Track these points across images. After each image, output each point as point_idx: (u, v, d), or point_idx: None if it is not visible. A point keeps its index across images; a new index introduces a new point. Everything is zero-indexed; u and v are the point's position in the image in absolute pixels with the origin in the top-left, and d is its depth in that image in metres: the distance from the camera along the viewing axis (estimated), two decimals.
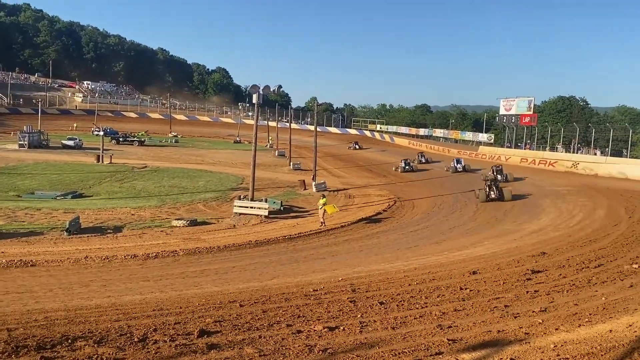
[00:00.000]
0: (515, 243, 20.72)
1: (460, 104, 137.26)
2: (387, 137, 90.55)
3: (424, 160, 57.54)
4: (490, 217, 29.01)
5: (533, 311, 9.88)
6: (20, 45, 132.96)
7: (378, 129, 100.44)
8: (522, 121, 67.52)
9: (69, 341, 7.54)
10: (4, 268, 16.60)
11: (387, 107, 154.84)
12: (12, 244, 19.47)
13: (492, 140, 75.58)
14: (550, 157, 56.28)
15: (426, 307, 10.35)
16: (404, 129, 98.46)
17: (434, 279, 13.38)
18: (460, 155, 66.76)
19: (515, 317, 9.50)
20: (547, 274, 13.76)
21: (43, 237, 20.74)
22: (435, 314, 9.68)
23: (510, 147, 68.77)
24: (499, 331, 8.52)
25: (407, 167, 52.14)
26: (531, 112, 66.71)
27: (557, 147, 65.55)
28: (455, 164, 51.62)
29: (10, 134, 64.85)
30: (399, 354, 7.31)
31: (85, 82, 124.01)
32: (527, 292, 11.75)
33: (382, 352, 7.35)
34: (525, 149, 66.21)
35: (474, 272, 13.98)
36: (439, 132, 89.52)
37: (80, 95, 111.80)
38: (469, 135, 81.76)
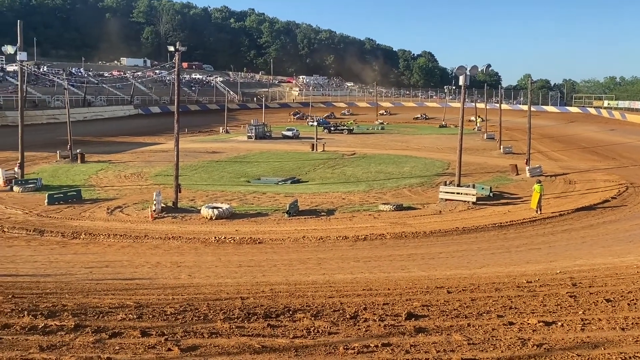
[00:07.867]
0: None
1: None
2: (616, 115, 79.19)
3: None
4: None
5: None
6: (246, 47, 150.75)
7: (605, 105, 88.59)
8: None
9: (290, 312, 8.32)
10: (238, 244, 19.25)
11: (617, 80, 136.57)
12: (243, 223, 22.35)
13: None
14: None
15: None
16: (639, 104, 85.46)
17: None
18: None
19: None
20: None
21: (268, 218, 23.32)
22: None
23: None
24: None
25: None
26: None
27: None
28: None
29: (241, 127, 73.80)
30: (630, 358, 6.43)
31: (300, 77, 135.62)
32: None
33: (608, 354, 6.54)
34: None
35: None
36: None
37: (297, 89, 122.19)
38: None
